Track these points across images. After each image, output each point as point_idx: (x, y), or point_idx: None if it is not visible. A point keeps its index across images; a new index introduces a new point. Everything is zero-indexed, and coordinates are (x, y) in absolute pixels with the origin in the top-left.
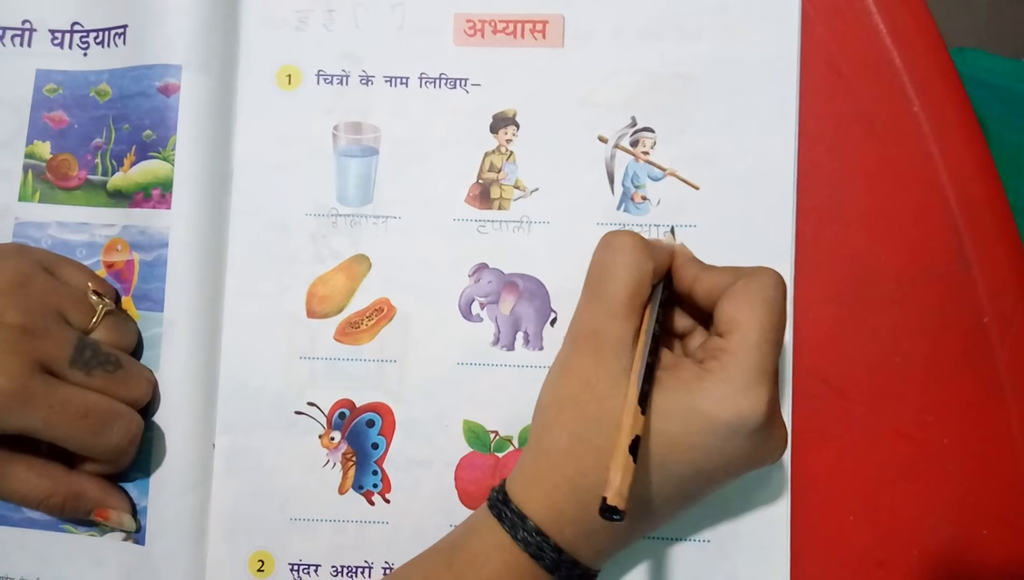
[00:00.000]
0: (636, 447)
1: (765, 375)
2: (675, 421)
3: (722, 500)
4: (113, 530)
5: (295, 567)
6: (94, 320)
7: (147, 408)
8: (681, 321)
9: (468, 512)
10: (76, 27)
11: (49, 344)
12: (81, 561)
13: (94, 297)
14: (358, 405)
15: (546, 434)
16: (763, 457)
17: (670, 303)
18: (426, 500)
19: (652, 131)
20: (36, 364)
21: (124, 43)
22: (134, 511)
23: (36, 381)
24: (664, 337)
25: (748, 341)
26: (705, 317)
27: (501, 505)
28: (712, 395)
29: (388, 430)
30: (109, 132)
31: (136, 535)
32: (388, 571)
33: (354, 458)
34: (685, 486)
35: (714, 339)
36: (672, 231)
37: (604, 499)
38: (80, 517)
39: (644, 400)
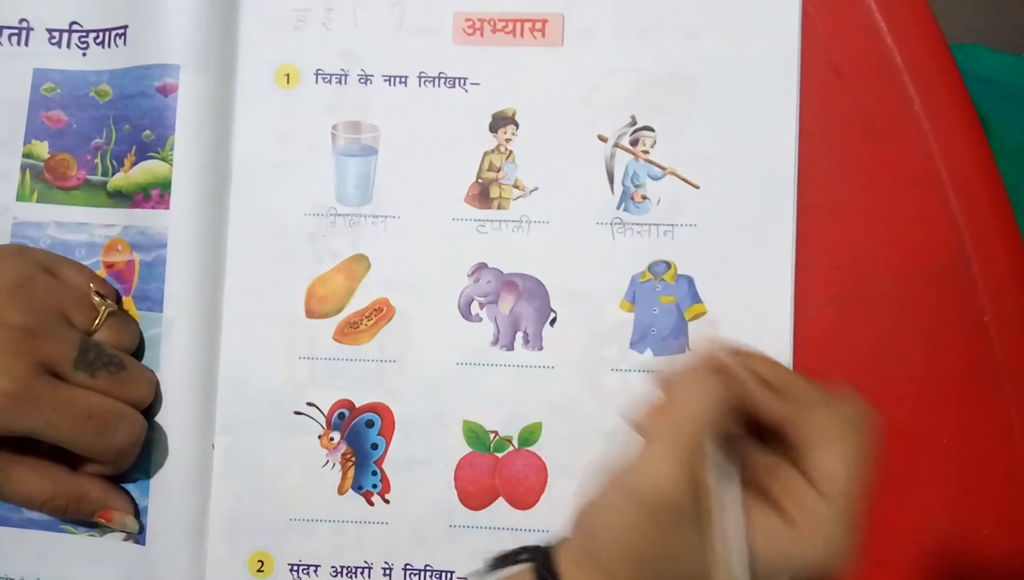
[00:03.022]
0: None
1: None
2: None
3: None
4: (114, 531)
5: (295, 567)
6: (97, 321)
7: (149, 409)
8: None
9: (467, 512)
10: (75, 27)
11: (52, 345)
12: (81, 561)
13: (96, 298)
14: (357, 405)
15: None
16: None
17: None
18: (425, 500)
19: (652, 130)
20: (40, 366)
21: (125, 43)
22: (136, 512)
23: (40, 383)
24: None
25: (846, 499)
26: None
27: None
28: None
29: (387, 430)
30: (109, 132)
31: (136, 535)
32: (387, 571)
33: (353, 458)
34: None
35: (805, 490)
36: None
37: None
38: (83, 519)
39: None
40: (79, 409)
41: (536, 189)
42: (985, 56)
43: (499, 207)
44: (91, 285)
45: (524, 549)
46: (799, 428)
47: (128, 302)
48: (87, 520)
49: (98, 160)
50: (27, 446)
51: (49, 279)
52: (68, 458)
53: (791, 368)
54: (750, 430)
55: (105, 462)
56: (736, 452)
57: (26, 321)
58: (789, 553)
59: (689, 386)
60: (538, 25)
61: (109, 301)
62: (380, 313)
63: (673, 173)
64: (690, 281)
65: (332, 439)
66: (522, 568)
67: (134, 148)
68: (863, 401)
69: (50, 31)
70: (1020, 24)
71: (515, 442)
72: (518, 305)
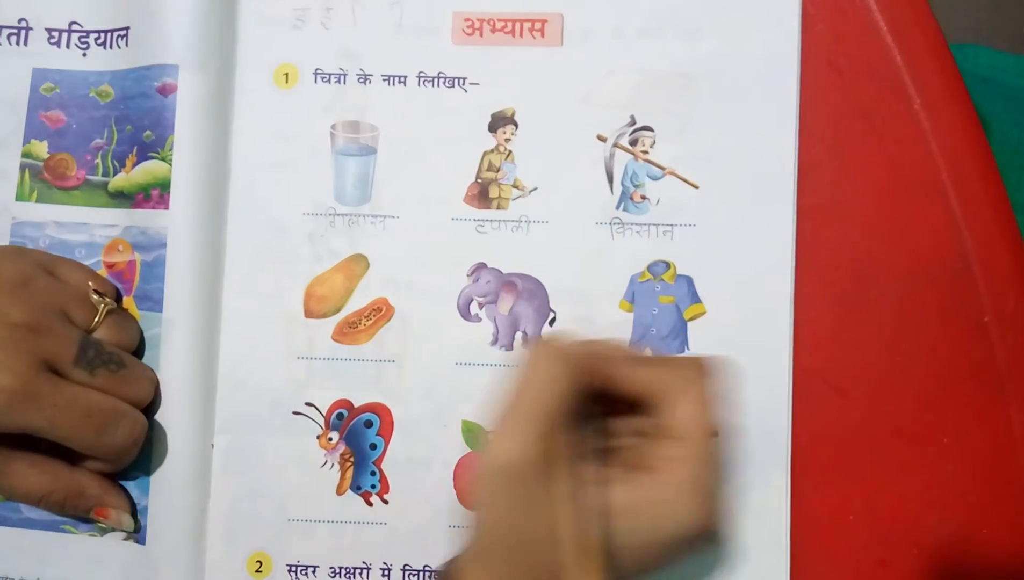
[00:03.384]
0: None
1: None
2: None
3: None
4: (113, 530)
5: (293, 568)
6: (96, 319)
7: (149, 408)
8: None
9: (467, 513)
10: (74, 27)
11: (53, 343)
12: (81, 561)
13: (95, 296)
14: (356, 405)
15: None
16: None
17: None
18: (425, 501)
19: (651, 130)
20: (41, 363)
21: (127, 44)
22: (134, 511)
23: (41, 380)
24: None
25: (701, 448)
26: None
27: None
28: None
29: (386, 430)
30: (111, 133)
31: (136, 535)
32: (386, 572)
33: (352, 458)
34: None
35: (665, 444)
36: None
37: None
38: (80, 515)
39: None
40: (79, 407)
41: (535, 189)
42: (985, 56)
43: (498, 207)
44: (90, 283)
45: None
46: (653, 388)
47: (129, 302)
48: (84, 517)
49: (99, 160)
50: (26, 442)
51: (49, 278)
52: (68, 455)
53: (791, 368)
54: (618, 408)
55: (105, 460)
56: (601, 427)
57: (27, 318)
58: (653, 500)
59: (534, 371)
60: (537, 25)
61: (108, 299)
62: (379, 313)
63: (672, 173)
64: (689, 281)
65: (331, 439)
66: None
67: (135, 148)
68: (706, 357)
69: (49, 31)
70: (1020, 23)
71: None
72: (517, 305)
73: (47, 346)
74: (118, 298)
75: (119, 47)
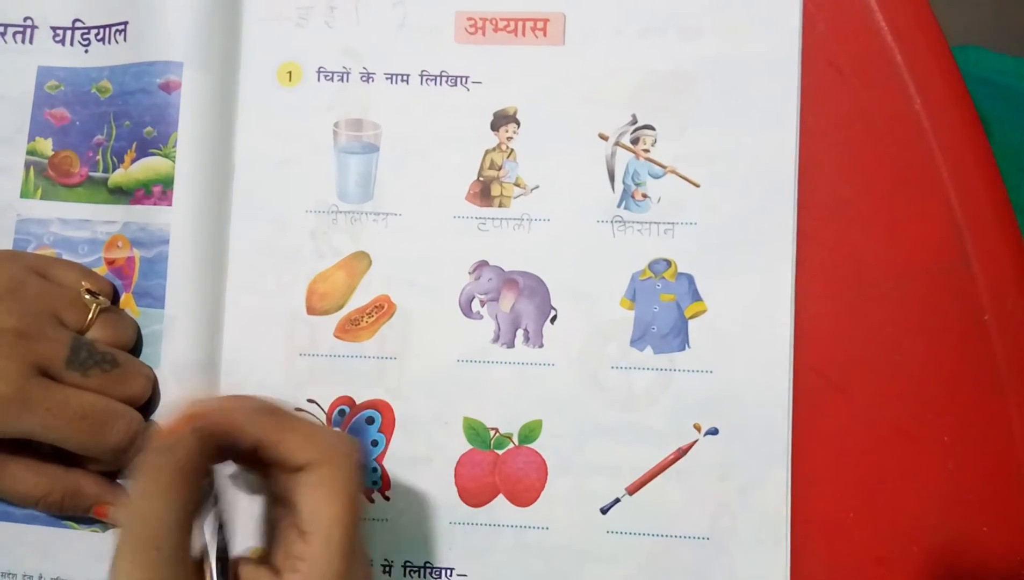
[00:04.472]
0: None
1: None
2: None
3: (721, 496)
4: (113, 527)
5: None
6: (89, 318)
7: (148, 405)
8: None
9: (467, 509)
10: (77, 24)
11: (44, 347)
12: (83, 557)
13: (88, 296)
14: (358, 402)
15: None
16: None
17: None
18: (426, 497)
19: (653, 129)
20: (32, 367)
21: (125, 40)
22: None
23: (32, 385)
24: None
25: (332, 548)
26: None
27: None
28: None
29: (388, 427)
30: (110, 129)
31: None
32: (387, 568)
33: None
34: None
35: (297, 544)
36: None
37: None
38: (79, 514)
39: None
40: (72, 409)
41: (537, 187)
42: (986, 58)
43: (500, 205)
44: (83, 283)
45: None
46: (279, 451)
47: (128, 298)
48: (84, 516)
49: (99, 157)
50: (23, 445)
51: (40, 282)
52: (67, 455)
53: (791, 366)
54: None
55: (103, 460)
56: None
57: (17, 324)
58: None
59: (138, 495)
60: (539, 24)
61: (101, 298)
62: (381, 310)
63: (673, 171)
64: (690, 279)
65: None
66: None
67: (135, 144)
68: (344, 436)
69: (54, 29)
70: (1022, 25)
71: (515, 439)
72: (519, 303)
73: (38, 350)
74: (115, 296)
75: (117, 41)
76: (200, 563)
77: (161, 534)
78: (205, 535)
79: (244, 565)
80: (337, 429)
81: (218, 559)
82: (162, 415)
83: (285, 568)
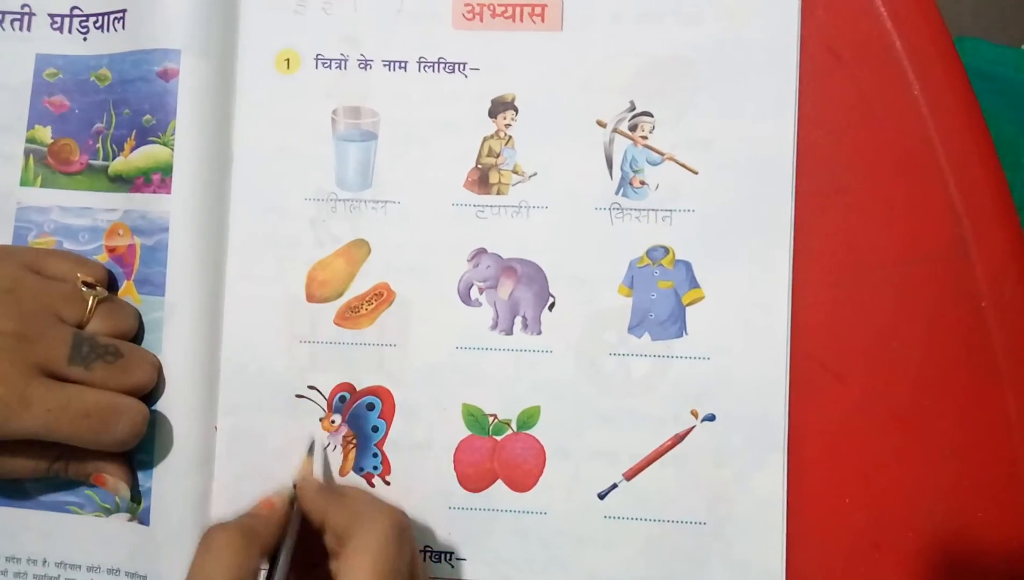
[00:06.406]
0: None
1: None
2: None
3: (718, 482)
4: (119, 510)
5: None
6: (87, 311)
7: (152, 392)
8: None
9: (466, 494)
10: (75, 11)
11: (45, 346)
12: (86, 541)
13: (84, 288)
14: (358, 388)
15: None
16: None
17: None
18: (425, 482)
19: (651, 115)
20: (34, 368)
21: (123, 27)
22: (133, 482)
23: (33, 386)
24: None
25: None
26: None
27: None
28: None
29: (388, 413)
30: (109, 117)
31: (141, 515)
32: None
33: (355, 441)
34: None
35: None
36: (311, 449)
37: None
38: (81, 479)
39: None
40: (75, 409)
41: (535, 174)
42: (984, 49)
43: (498, 192)
44: (78, 275)
45: None
46: (334, 523)
47: (129, 286)
48: (85, 481)
49: (99, 145)
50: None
51: (36, 279)
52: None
53: (789, 353)
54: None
55: (108, 452)
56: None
57: (17, 326)
58: None
59: (221, 549)
60: (537, 10)
61: (98, 289)
62: (380, 297)
63: (672, 158)
64: (688, 266)
65: (333, 422)
66: None
67: (134, 132)
68: (385, 503)
69: (52, 16)
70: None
71: (514, 425)
72: (517, 290)
73: (39, 351)
74: (111, 282)
75: (116, 29)
76: None
77: None
78: None
79: None
80: (383, 500)
81: None
82: (167, 401)
83: None
